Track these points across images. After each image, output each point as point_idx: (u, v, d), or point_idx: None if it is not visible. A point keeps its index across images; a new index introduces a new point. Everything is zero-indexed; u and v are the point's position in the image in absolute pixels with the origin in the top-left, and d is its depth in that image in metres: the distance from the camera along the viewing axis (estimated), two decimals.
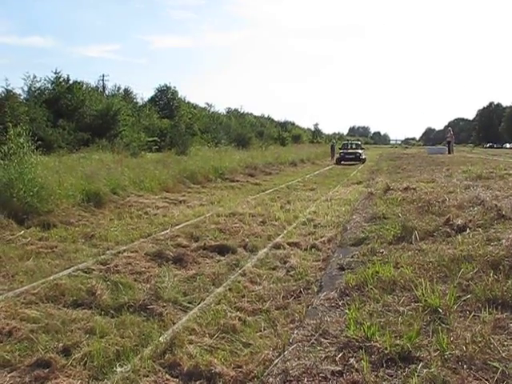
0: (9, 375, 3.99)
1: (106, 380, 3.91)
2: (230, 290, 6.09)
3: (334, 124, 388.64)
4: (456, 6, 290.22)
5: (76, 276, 6.57)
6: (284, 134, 69.18)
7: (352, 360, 3.61)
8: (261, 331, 4.85)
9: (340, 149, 42.84)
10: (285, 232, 9.57)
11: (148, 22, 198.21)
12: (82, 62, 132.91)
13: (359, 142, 48.62)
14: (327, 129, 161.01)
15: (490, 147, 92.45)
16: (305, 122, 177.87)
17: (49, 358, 4.17)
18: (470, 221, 7.64)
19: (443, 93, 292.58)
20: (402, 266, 5.76)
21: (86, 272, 6.79)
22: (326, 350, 3.82)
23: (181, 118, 49.35)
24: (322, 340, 4.01)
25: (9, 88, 32.94)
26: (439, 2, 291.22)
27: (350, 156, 38.97)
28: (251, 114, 75.95)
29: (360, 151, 40.60)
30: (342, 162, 37.84)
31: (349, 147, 42.61)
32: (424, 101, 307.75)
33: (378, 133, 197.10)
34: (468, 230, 7.18)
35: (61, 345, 4.45)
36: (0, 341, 4.57)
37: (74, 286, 6.03)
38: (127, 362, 4.16)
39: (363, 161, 38.53)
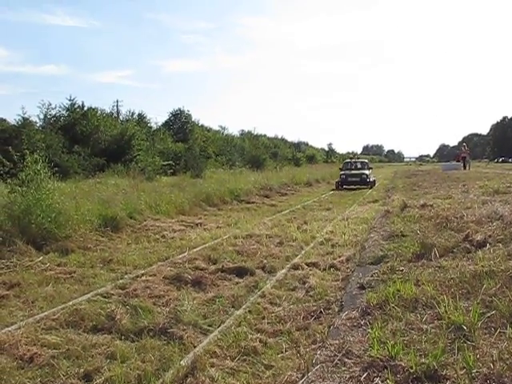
0: None
1: None
2: (249, 311, 6.05)
3: (348, 143, 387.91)
4: (468, 20, 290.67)
5: (95, 301, 6.56)
6: (298, 154, 69.19)
7: (377, 380, 3.57)
8: (282, 352, 4.81)
9: (341, 169, 33.05)
10: (303, 252, 9.52)
11: (160, 47, 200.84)
12: (96, 89, 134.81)
13: (366, 161, 36.48)
14: (341, 148, 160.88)
15: (503, 162, 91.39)
16: (318, 142, 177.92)
17: (70, 383, 4.16)
18: (490, 236, 7.57)
19: (456, 108, 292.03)
20: (423, 284, 5.70)
21: (105, 297, 6.78)
22: (351, 370, 3.78)
23: (195, 142, 49.49)
24: (346, 360, 3.97)
25: (25, 116, 33.39)
26: (451, 17, 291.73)
27: (354, 179, 30.71)
28: (265, 136, 76.01)
29: (367, 172, 31.47)
30: (345, 187, 30.47)
31: (352, 167, 33.02)
32: (437, 117, 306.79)
33: (392, 151, 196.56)
34: (488, 246, 7.11)
35: (82, 370, 4.43)
36: (21, 367, 4.56)
37: (93, 311, 6.02)
38: None
39: (371, 184, 30.51)
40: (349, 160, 36.48)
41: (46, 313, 6.11)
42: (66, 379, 4.25)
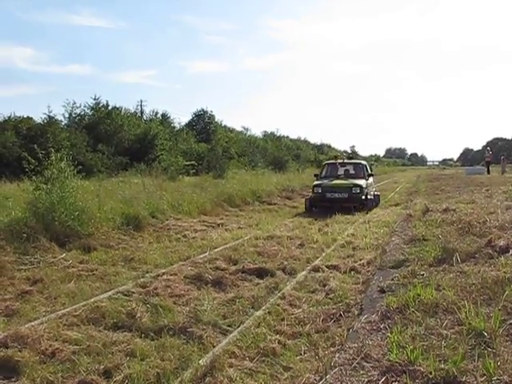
0: None
1: None
2: (269, 313, 6.05)
3: (371, 146, 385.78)
4: (490, 23, 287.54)
5: (116, 299, 6.61)
6: (320, 156, 68.98)
7: None
8: (301, 354, 4.81)
9: (316, 177, 20.25)
10: (323, 255, 9.49)
11: (184, 48, 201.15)
12: (120, 88, 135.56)
13: (363, 163, 21.72)
14: (364, 151, 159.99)
15: None
16: (341, 145, 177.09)
17: (90, 379, 4.21)
18: None
19: (481, 112, 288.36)
20: (444, 289, 5.67)
21: (125, 295, 6.84)
22: (369, 374, 3.77)
23: (218, 142, 49.61)
24: (364, 364, 3.96)
25: (51, 115, 33.90)
26: (472, 19, 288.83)
27: (338, 194, 17.97)
28: (287, 137, 75.88)
29: (362, 182, 18.56)
30: (324, 205, 17.89)
31: (338, 173, 19.88)
32: (461, 121, 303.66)
33: (415, 154, 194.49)
34: (511, 252, 7.03)
35: (102, 367, 4.48)
36: (44, 361, 4.63)
37: (114, 309, 6.07)
38: None
39: (371, 203, 18.55)
40: (332, 161, 21.87)
41: (68, 309, 6.18)
42: (86, 375, 4.30)
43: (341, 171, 20.12)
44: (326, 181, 18.93)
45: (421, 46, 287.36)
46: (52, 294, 6.94)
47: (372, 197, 18.97)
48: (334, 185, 18.37)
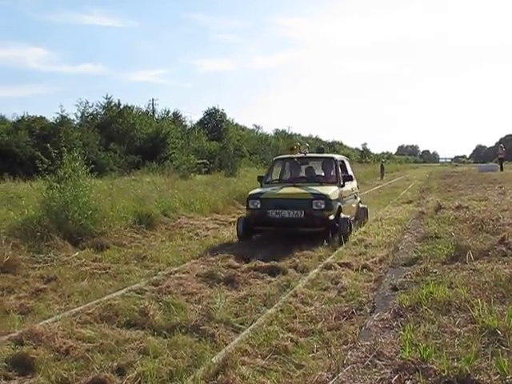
0: None
1: None
2: (281, 310, 6.05)
3: (383, 143, 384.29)
4: (501, 14, 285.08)
5: (129, 297, 6.65)
6: (332, 154, 68.91)
7: (408, 382, 3.55)
8: (313, 352, 4.80)
9: (260, 181, 12.47)
10: (335, 252, 9.48)
11: (194, 46, 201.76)
12: (132, 87, 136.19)
13: (337, 158, 12.84)
14: (375, 148, 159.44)
15: None
16: (352, 142, 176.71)
17: (104, 377, 4.23)
18: None
19: (493, 108, 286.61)
20: (457, 286, 5.64)
21: (138, 293, 6.87)
22: (381, 372, 3.77)
23: (229, 140, 49.72)
24: (377, 362, 3.96)
25: (63, 114, 34.17)
26: (486, 16, 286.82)
27: (289, 213, 10.56)
28: (299, 135, 75.94)
29: (331, 192, 10.94)
30: (263, 228, 11.37)
31: (295, 176, 12.58)
32: (474, 117, 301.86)
33: (427, 151, 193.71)
34: None
35: (115, 364, 4.50)
36: (58, 359, 4.67)
37: (127, 307, 6.10)
38: (180, 382, 4.17)
39: (346, 226, 10.79)
40: (287, 156, 13.75)
41: (81, 307, 6.23)
42: (99, 372, 4.32)
43: (300, 172, 12.83)
44: (269, 189, 11.54)
45: (431, 42, 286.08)
46: (65, 292, 6.99)
47: (349, 215, 11.48)
48: (281, 196, 10.93)
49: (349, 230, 10.84)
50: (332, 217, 10.65)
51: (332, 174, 12.14)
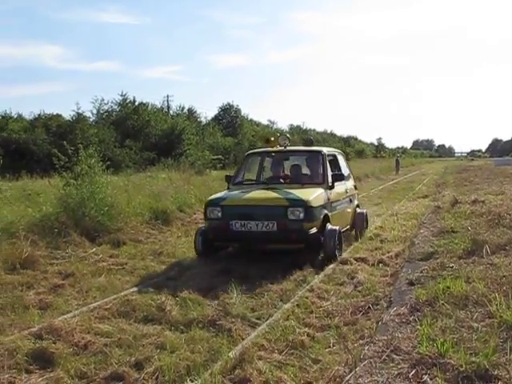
0: None
1: None
2: (297, 305, 6.06)
3: (398, 138, 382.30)
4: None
5: (146, 292, 6.70)
6: (347, 149, 68.62)
7: (426, 377, 3.54)
8: (330, 347, 4.80)
9: (229, 181, 9.89)
10: (351, 247, 9.47)
11: (209, 42, 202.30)
12: (147, 84, 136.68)
13: (324, 152, 9.80)
14: (390, 143, 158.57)
15: None
16: (368, 137, 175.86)
17: (122, 371, 4.27)
18: None
19: (509, 102, 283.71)
20: (474, 281, 5.61)
21: (155, 288, 6.92)
22: (399, 367, 3.76)
23: (244, 136, 49.76)
24: (394, 356, 3.95)
25: (79, 111, 34.40)
26: (498, 10, 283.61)
27: (258, 225, 8.15)
28: (314, 130, 75.73)
29: (312, 196, 8.36)
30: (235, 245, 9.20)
31: (271, 175, 10.09)
32: (490, 111, 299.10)
33: (443, 145, 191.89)
34: None
35: (133, 359, 4.53)
36: (77, 353, 4.72)
37: (144, 302, 6.14)
38: (198, 376, 4.18)
39: (332, 242, 8.30)
40: (262, 149, 11.07)
41: (99, 302, 6.29)
42: (118, 367, 4.36)
43: (279, 170, 10.21)
44: (235, 193, 9.16)
45: (447, 36, 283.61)
46: (83, 288, 7.05)
47: (341, 225, 9.17)
48: (248, 202, 8.55)
49: (333, 247, 8.35)
50: (314, 230, 8.24)
51: (319, 171, 9.50)
